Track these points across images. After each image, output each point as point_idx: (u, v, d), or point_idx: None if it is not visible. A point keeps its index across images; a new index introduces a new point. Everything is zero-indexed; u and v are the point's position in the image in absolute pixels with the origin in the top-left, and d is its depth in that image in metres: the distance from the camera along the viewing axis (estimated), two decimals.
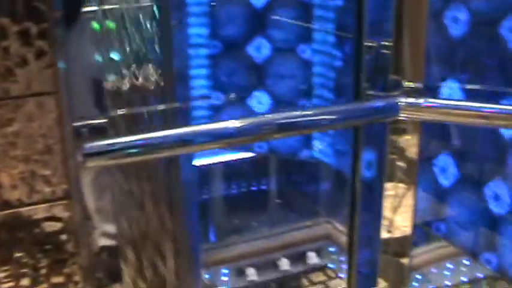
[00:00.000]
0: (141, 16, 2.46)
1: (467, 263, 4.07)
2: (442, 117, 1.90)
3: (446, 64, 2.39)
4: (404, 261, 1.92)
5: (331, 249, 4.21)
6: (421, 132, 1.85)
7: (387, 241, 1.89)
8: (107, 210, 3.51)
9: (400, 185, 1.95)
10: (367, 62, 1.73)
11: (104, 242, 3.56)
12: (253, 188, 4.51)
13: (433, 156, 2.51)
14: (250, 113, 3.10)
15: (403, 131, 1.89)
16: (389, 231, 1.95)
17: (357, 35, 1.74)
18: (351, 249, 1.82)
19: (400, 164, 1.93)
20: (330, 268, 4.30)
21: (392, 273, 1.93)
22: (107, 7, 2.70)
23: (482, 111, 1.70)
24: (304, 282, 4.84)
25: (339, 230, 3.98)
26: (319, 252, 4.17)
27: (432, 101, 1.72)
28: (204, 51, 3.08)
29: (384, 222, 1.88)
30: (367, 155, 1.76)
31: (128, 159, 1.47)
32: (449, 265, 4.09)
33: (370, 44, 1.75)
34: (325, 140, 3.33)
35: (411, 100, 1.70)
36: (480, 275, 4.14)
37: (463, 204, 2.51)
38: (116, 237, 3.28)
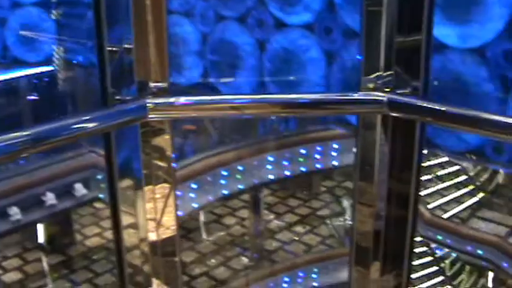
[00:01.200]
0: None
1: (241, 168, 4.15)
2: (195, 113, 1.93)
3: None
4: (176, 259, 1.93)
5: (99, 177, 4.04)
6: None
7: (155, 243, 1.88)
8: None
9: (164, 185, 1.95)
10: (111, 66, 1.71)
11: None
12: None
13: None
14: None
15: (159, 132, 1.89)
16: (157, 233, 1.94)
17: (98, 41, 1.70)
18: (120, 262, 1.78)
19: (160, 164, 1.93)
20: (101, 199, 4.17)
21: (165, 273, 1.93)
22: None
23: (234, 103, 1.76)
24: (75, 216, 4.61)
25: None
26: (86, 183, 3.99)
27: (183, 98, 1.74)
28: None
29: (151, 225, 1.87)
30: (122, 160, 1.74)
31: None
32: (224, 172, 4.10)
33: (112, 48, 1.72)
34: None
35: (159, 100, 1.70)
36: (255, 181, 4.29)
37: None
38: None
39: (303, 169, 4.80)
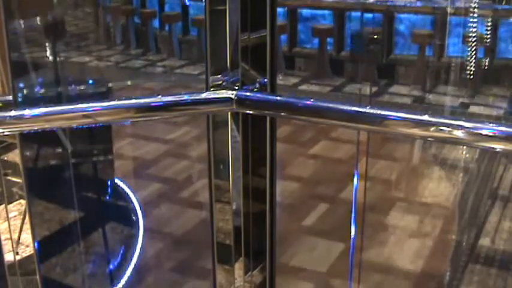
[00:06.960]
0: None
1: None
2: (48, 124, 1.86)
3: None
4: (37, 278, 1.85)
5: None
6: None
7: (13, 264, 1.79)
8: None
9: (19, 202, 1.87)
10: None
11: None
12: None
13: None
14: None
15: (9, 147, 1.81)
16: (17, 253, 1.85)
17: None
18: None
19: (16, 180, 1.85)
20: None
21: None
22: None
23: (86, 111, 1.71)
24: None
25: None
26: None
27: (34, 110, 1.68)
28: None
29: (7, 246, 1.79)
30: None
31: None
32: None
33: None
34: None
35: (7, 113, 1.63)
36: None
37: None
38: None
39: None
